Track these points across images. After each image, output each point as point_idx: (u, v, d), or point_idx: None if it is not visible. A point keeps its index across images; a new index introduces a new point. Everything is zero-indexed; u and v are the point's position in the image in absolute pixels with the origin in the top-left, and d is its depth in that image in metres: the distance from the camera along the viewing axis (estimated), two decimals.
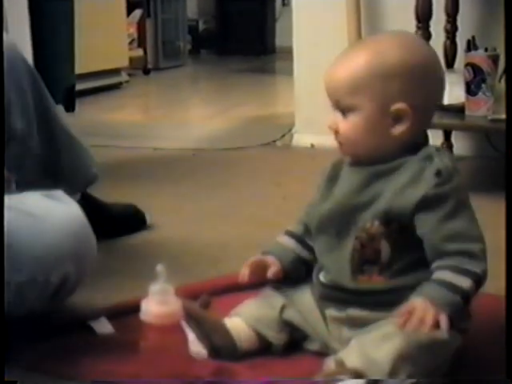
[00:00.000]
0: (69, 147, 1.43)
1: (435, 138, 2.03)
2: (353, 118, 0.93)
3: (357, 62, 0.93)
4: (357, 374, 0.86)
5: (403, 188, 0.92)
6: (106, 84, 3.74)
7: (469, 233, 0.91)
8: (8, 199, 1.04)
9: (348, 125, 0.94)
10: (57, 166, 1.40)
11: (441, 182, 0.90)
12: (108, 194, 1.57)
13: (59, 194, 1.08)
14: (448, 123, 1.94)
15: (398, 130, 0.93)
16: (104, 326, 1.09)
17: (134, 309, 1.12)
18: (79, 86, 2.52)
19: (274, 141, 2.48)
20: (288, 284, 1.04)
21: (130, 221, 1.56)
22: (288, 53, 2.64)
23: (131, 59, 4.13)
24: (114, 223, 1.52)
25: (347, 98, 0.93)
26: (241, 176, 2.07)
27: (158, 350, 0.93)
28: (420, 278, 0.92)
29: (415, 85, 0.93)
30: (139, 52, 4.52)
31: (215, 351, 0.97)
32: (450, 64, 2.13)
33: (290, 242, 1.05)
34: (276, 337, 1.00)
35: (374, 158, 0.95)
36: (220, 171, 2.14)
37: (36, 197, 1.06)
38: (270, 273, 1.01)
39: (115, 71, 3.87)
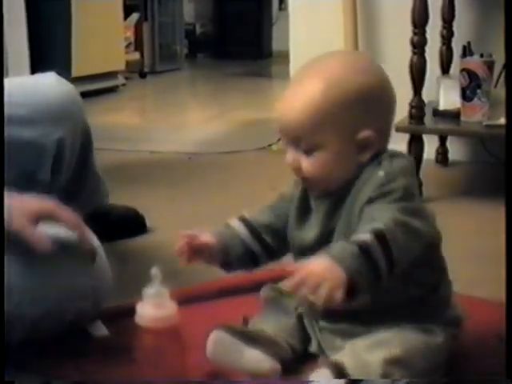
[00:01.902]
0: (91, 183, 1.45)
1: (430, 142, 2.04)
2: (319, 155, 0.89)
3: (313, 96, 0.88)
4: (338, 368, 0.84)
5: (356, 199, 0.89)
6: (103, 87, 3.74)
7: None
8: None
9: (314, 163, 0.89)
10: (76, 196, 1.41)
11: (384, 181, 0.86)
12: None
13: None
14: (443, 128, 1.94)
15: (366, 156, 0.90)
16: (99, 329, 1.09)
17: (130, 312, 1.13)
18: (76, 89, 2.51)
19: (270, 145, 2.48)
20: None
21: (130, 224, 1.56)
22: (285, 57, 2.64)
23: (128, 62, 4.13)
24: (114, 226, 1.52)
25: (310, 135, 0.88)
26: (237, 180, 2.07)
27: (153, 353, 0.93)
28: (409, 294, 0.90)
29: (376, 108, 0.89)
30: (136, 55, 4.52)
31: (287, 365, 0.94)
32: (445, 69, 2.14)
33: (241, 230, 0.99)
34: (299, 347, 0.97)
35: (339, 185, 0.91)
36: (216, 175, 2.14)
37: (54, 227, 1.03)
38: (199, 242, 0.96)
39: (112, 74, 3.87)
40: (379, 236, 0.82)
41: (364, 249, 0.82)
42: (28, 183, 1.26)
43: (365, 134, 0.88)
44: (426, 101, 1.86)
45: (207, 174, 2.15)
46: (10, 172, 1.10)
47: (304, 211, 0.95)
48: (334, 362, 0.85)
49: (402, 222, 0.83)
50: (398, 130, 1.87)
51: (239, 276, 1.22)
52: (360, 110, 0.88)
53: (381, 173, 0.87)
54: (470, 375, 0.90)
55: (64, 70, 2.19)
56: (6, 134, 1.09)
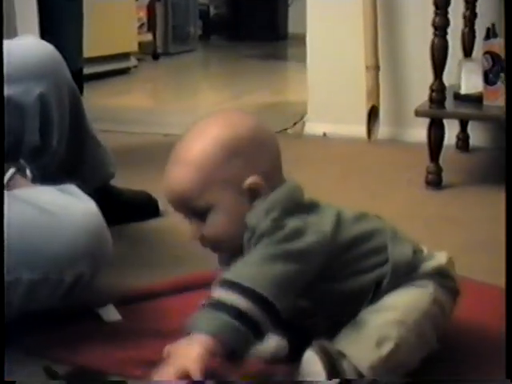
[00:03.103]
0: (92, 150, 1.43)
1: (451, 128, 1.99)
2: (213, 217, 0.88)
3: (190, 159, 0.88)
4: (322, 349, 0.83)
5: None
6: (115, 68, 3.70)
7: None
8: (24, 193, 1.02)
9: (212, 227, 0.89)
10: (78, 166, 1.40)
11: (250, 234, 0.87)
12: (117, 179, 1.54)
13: (74, 189, 1.05)
14: (464, 113, 1.90)
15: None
16: (112, 314, 1.07)
17: (143, 296, 1.12)
18: (87, 70, 2.48)
19: (286, 129, 2.43)
20: None
21: (143, 207, 1.55)
22: (300, 39, 2.59)
23: (140, 44, 4.09)
24: (127, 209, 1.51)
25: (197, 198, 0.88)
26: None
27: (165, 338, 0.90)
28: (361, 284, 0.89)
29: (255, 154, 0.89)
30: (148, 36, 4.47)
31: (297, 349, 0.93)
32: (467, 52, 2.09)
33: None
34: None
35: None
36: None
37: (52, 192, 1.03)
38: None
39: (124, 56, 3.83)
40: (225, 282, 0.83)
41: (210, 303, 0.83)
42: (17, 147, 1.26)
43: (250, 180, 0.88)
44: (447, 84, 1.82)
45: None
46: None
47: None
48: (319, 344, 0.85)
49: (271, 255, 0.84)
50: (417, 114, 1.84)
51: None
52: (239, 158, 0.88)
53: (248, 224, 0.87)
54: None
55: (75, 53, 2.16)
56: None
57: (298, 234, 0.85)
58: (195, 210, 0.89)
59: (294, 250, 0.84)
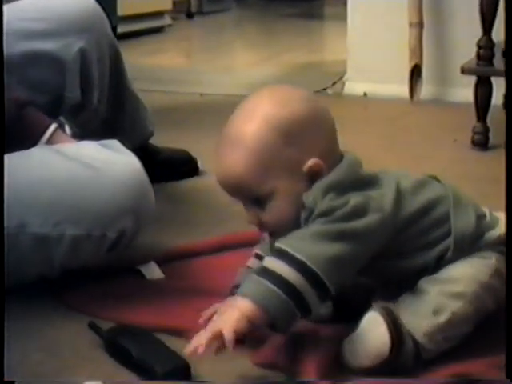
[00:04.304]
0: (132, 108, 1.42)
1: (498, 87, 1.91)
2: (274, 203, 0.85)
3: (246, 145, 0.84)
4: (388, 312, 0.81)
5: None
6: (149, 27, 3.66)
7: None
8: (67, 148, 1.02)
9: (273, 214, 0.86)
10: (118, 123, 1.39)
11: (307, 214, 0.85)
12: (154, 138, 1.53)
13: (116, 144, 1.04)
14: None
15: None
16: (153, 271, 1.07)
17: (185, 255, 1.13)
18: (121, 29, 2.44)
19: (325, 89, 2.38)
20: None
21: (182, 166, 1.54)
22: None
23: (174, 2, 4.04)
24: (166, 168, 1.50)
25: (259, 187, 0.85)
26: None
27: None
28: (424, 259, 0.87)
29: (313, 134, 0.86)
30: None
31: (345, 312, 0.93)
32: None
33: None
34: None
35: None
36: None
37: (95, 147, 1.02)
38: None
39: (158, 14, 3.78)
40: (278, 251, 0.82)
41: (261, 269, 0.81)
42: (58, 104, 1.26)
43: (311, 163, 0.85)
44: (495, 41, 1.75)
45: None
46: (38, 94, 1.14)
47: None
48: (384, 306, 0.83)
49: (329, 233, 0.81)
50: (464, 71, 1.78)
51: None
52: (297, 141, 0.85)
53: (306, 204, 0.85)
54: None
55: (109, 11, 2.12)
56: (22, 50, 1.14)
57: (359, 212, 0.82)
58: (255, 198, 0.86)
59: (353, 230, 0.82)
